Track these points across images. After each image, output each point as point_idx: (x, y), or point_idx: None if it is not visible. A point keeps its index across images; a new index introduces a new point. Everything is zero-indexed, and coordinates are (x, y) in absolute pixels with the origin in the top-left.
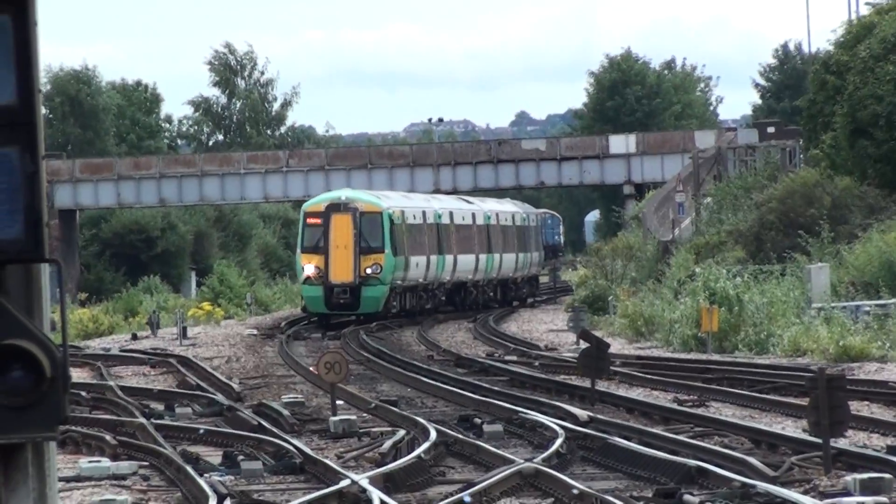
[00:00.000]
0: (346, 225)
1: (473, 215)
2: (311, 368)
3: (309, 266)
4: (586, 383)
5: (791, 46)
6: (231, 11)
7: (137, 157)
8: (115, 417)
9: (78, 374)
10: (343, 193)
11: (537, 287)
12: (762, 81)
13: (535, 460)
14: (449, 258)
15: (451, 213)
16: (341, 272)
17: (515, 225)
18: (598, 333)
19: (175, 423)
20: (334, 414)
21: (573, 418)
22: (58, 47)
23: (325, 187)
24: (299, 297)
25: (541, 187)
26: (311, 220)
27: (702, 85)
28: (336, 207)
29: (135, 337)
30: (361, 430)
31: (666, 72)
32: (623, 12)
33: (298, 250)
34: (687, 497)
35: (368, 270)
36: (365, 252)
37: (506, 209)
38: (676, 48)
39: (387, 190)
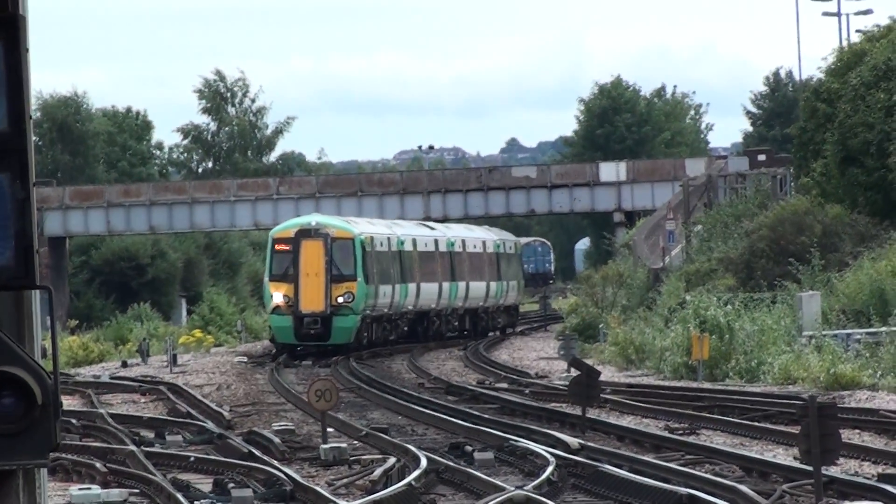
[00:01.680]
0: (317, 251)
1: (436, 241)
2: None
3: (277, 294)
4: (577, 411)
5: (782, 74)
6: (219, 38)
7: (127, 184)
8: (105, 445)
9: (68, 402)
10: (313, 219)
11: (516, 317)
12: (753, 109)
13: (525, 488)
14: (412, 286)
15: (413, 240)
16: (312, 301)
17: (486, 252)
18: (588, 361)
19: (165, 451)
20: (325, 441)
21: (564, 446)
22: (47, 73)
23: None
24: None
25: (531, 215)
26: (279, 247)
27: (692, 112)
28: (306, 233)
29: (125, 364)
30: (352, 458)
31: (656, 99)
32: (611, 39)
33: (266, 278)
34: None
35: (340, 299)
36: (336, 280)
37: (474, 235)
38: (665, 75)
39: (375, 217)
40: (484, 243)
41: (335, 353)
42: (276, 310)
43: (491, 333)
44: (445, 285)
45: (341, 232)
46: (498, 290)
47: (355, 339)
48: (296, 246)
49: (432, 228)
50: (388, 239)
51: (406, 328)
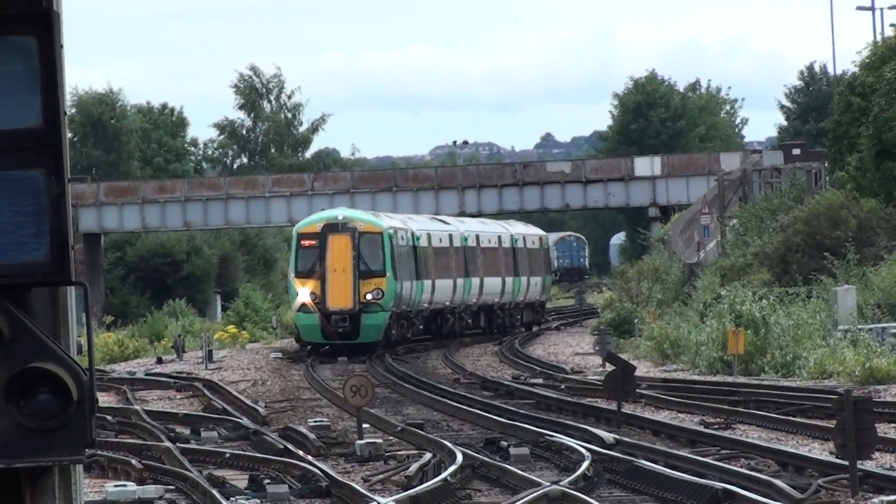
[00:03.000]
0: (345, 246)
1: (451, 236)
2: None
3: (304, 291)
4: (612, 406)
5: (816, 68)
6: (251, 34)
7: (162, 180)
8: (140, 441)
9: (104, 399)
10: (340, 213)
11: (542, 314)
12: (787, 103)
13: (561, 483)
14: (427, 283)
15: (428, 235)
16: (339, 298)
17: (502, 247)
18: (624, 356)
19: (201, 447)
20: (360, 437)
21: (599, 441)
22: (82, 70)
23: None
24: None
25: (566, 210)
26: (305, 242)
27: (727, 107)
28: (333, 228)
29: (160, 361)
30: (388, 454)
31: (690, 94)
32: (643, 34)
33: (292, 274)
34: None
35: (369, 296)
36: (365, 276)
37: (489, 230)
38: (698, 70)
39: (412, 213)
40: (500, 238)
41: (363, 352)
42: (303, 307)
43: (518, 330)
44: (460, 281)
45: (369, 226)
46: (515, 286)
47: (384, 337)
48: (322, 241)
49: (446, 223)
50: (406, 234)
51: (422, 326)
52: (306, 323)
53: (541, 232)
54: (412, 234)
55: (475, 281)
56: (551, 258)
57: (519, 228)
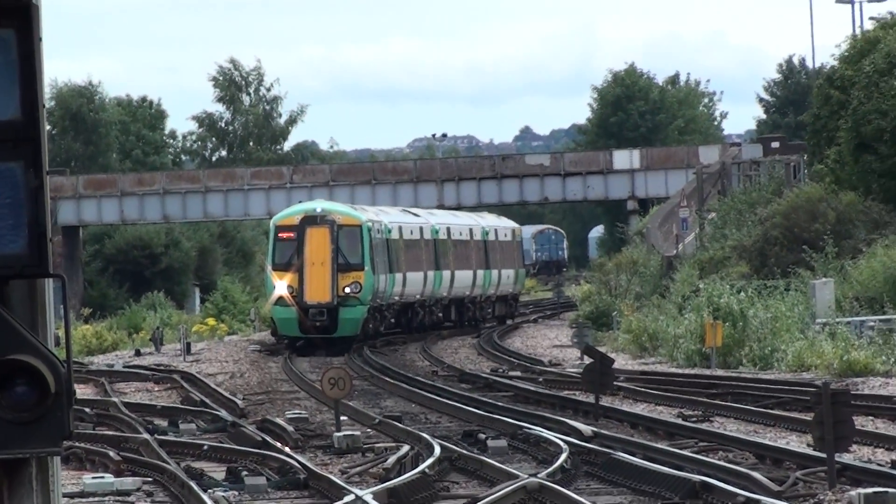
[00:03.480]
0: (323, 239)
1: (421, 229)
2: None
3: (281, 285)
4: (590, 399)
5: (795, 61)
6: (229, 27)
7: (141, 173)
8: (118, 433)
9: (82, 391)
10: (318, 205)
11: (514, 307)
12: (766, 96)
13: (539, 475)
14: (398, 276)
15: (399, 228)
16: (318, 291)
17: (473, 239)
18: (602, 349)
19: (179, 439)
20: (338, 429)
21: (577, 433)
22: (60, 62)
23: None
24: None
25: (545, 203)
26: (283, 235)
27: (706, 100)
28: (311, 220)
29: (138, 353)
30: (365, 446)
31: (669, 87)
32: (622, 27)
33: (269, 267)
34: None
35: (347, 290)
36: (343, 269)
37: (460, 222)
38: (677, 64)
39: (392, 206)
40: (471, 230)
41: (341, 347)
42: (280, 301)
43: (486, 325)
44: (430, 274)
45: (348, 219)
46: (487, 279)
47: (361, 332)
48: (300, 233)
49: (417, 216)
50: (381, 226)
51: (393, 319)
52: (283, 316)
53: (514, 224)
54: (385, 226)
55: (446, 274)
56: (530, 251)
57: (491, 221)
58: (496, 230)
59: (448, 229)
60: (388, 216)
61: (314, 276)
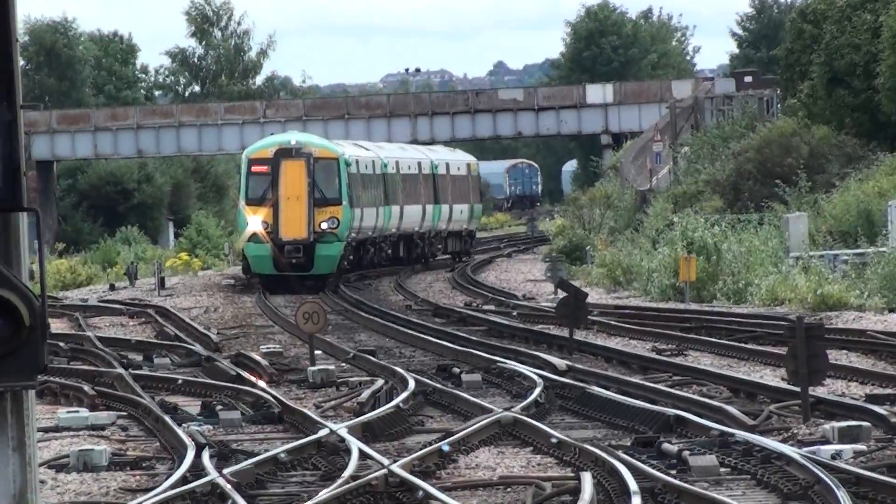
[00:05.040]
0: (299, 173)
1: (373, 163)
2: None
3: (255, 220)
4: (564, 333)
5: None
6: None
7: (115, 107)
8: (93, 368)
9: (56, 325)
10: (293, 136)
11: (470, 244)
12: (739, 31)
13: (513, 409)
14: (357, 212)
15: (357, 161)
16: (293, 228)
17: (422, 173)
18: (575, 283)
19: (153, 374)
20: (313, 364)
21: (551, 368)
22: None
23: None
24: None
25: (518, 137)
26: (256, 168)
27: (678, 34)
28: (286, 153)
29: (113, 288)
30: (340, 380)
31: (642, 21)
32: None
33: (241, 202)
34: (665, 446)
35: (324, 225)
36: (320, 204)
37: (409, 156)
38: None
39: (364, 140)
40: (419, 164)
41: (316, 285)
42: (253, 237)
43: (436, 261)
44: (381, 210)
45: (324, 151)
46: (436, 215)
47: (338, 270)
48: (275, 167)
49: (367, 149)
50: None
51: (352, 257)
52: (257, 254)
53: (469, 158)
54: (345, 159)
55: (395, 209)
56: (503, 185)
57: (442, 154)
58: (448, 164)
59: (397, 163)
60: (345, 149)
61: (289, 212)
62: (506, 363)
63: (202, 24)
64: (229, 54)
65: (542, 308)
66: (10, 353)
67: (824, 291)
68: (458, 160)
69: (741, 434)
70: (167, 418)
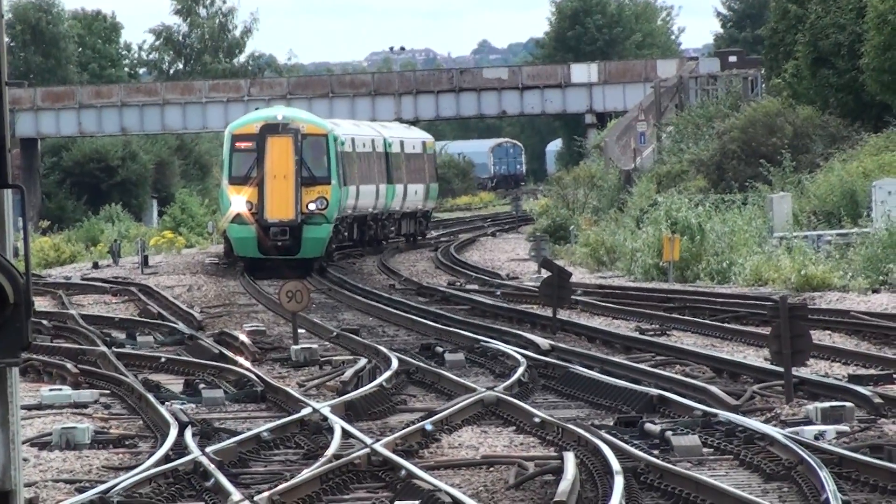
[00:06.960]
0: (286, 150)
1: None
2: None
3: (239, 200)
4: (548, 312)
5: None
6: None
7: (99, 85)
8: (76, 346)
9: (39, 303)
10: (279, 111)
11: (426, 225)
12: (724, 10)
13: (496, 389)
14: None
15: None
16: (280, 208)
17: (375, 151)
18: (559, 262)
19: (136, 352)
20: (296, 342)
21: (535, 347)
22: None
23: None
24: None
25: (503, 116)
26: (240, 145)
27: (663, 14)
28: (273, 129)
29: (96, 265)
30: (323, 359)
31: (627, 1)
32: None
33: (224, 181)
34: (648, 425)
35: (312, 206)
36: (307, 183)
37: (363, 133)
38: None
39: (348, 119)
40: (373, 141)
41: (302, 269)
42: (237, 218)
43: (389, 244)
44: (342, 190)
45: (313, 127)
46: (390, 195)
47: (325, 252)
48: (260, 143)
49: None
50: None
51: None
52: (241, 235)
53: (425, 135)
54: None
55: (351, 189)
56: (487, 164)
57: (397, 131)
58: (402, 142)
59: (353, 140)
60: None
61: (276, 191)
62: (489, 342)
63: (187, 1)
64: (214, 32)
65: (526, 287)
66: None
67: (808, 272)
68: (413, 138)
69: (724, 414)
70: (150, 396)
